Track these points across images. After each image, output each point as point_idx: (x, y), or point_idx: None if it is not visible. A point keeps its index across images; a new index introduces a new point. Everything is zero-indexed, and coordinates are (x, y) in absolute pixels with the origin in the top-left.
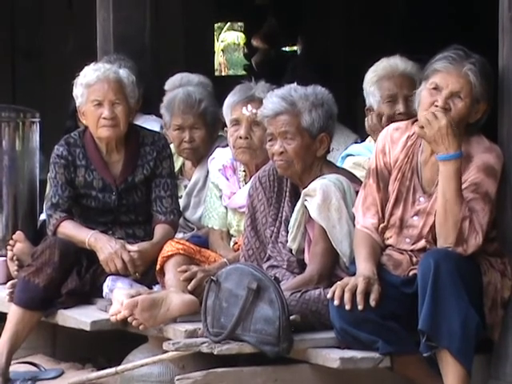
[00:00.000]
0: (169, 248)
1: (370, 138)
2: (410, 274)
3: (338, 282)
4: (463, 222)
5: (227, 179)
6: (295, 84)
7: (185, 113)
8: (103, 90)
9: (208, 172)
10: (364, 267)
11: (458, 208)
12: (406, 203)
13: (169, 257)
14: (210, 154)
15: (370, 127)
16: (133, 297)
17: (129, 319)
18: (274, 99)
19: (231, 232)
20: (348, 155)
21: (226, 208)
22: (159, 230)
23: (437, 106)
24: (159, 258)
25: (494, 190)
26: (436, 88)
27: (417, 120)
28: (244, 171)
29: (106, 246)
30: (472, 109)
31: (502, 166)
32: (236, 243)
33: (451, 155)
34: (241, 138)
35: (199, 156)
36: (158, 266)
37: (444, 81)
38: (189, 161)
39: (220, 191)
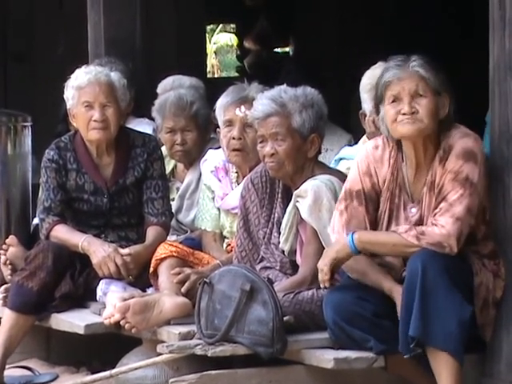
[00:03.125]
0: (162, 250)
1: (363, 140)
2: (403, 275)
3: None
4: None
5: (219, 181)
6: (285, 85)
7: (176, 115)
8: (94, 93)
9: (200, 174)
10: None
11: (404, 241)
12: (399, 220)
13: (162, 259)
14: (202, 156)
15: (369, 134)
16: (126, 300)
17: (121, 322)
18: (263, 101)
19: (224, 234)
20: (341, 159)
21: (218, 210)
22: (151, 232)
23: (404, 114)
24: (152, 261)
25: (476, 173)
26: (395, 99)
27: None
28: (236, 172)
29: (99, 250)
30: (437, 103)
31: (485, 156)
32: (229, 245)
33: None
34: (234, 138)
35: (191, 158)
36: (151, 269)
37: (398, 86)
38: (181, 163)
39: (212, 193)
